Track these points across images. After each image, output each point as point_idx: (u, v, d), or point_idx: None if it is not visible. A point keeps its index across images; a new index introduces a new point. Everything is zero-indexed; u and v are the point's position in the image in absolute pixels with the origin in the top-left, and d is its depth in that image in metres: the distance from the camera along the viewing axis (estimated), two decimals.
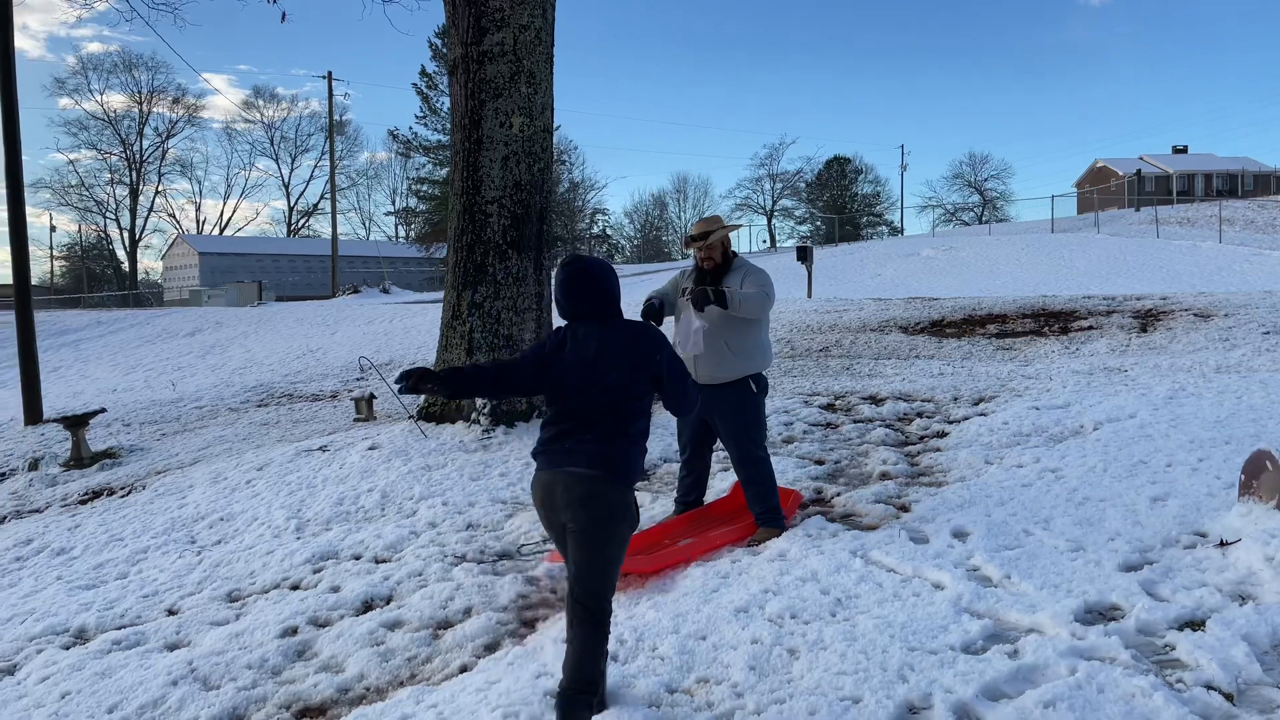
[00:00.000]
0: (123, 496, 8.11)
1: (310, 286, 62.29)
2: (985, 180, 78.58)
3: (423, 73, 59.13)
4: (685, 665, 3.64)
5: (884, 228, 78.21)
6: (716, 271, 5.23)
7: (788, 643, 3.70)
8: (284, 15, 13.49)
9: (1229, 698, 3.04)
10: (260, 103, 78.39)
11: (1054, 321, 12.26)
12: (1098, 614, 3.76)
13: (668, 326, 4.94)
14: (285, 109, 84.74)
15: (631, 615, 4.17)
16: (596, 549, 3.25)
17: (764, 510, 5.19)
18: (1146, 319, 11.82)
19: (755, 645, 3.70)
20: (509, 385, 3.50)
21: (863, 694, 3.24)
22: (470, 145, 8.14)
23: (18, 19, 12.87)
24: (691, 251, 5.38)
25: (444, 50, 57.93)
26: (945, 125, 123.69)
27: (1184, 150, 69.40)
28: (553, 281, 3.57)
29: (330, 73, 45.66)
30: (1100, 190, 51.23)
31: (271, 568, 5.54)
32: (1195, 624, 3.56)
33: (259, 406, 12.30)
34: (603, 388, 3.31)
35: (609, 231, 76.13)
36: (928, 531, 4.91)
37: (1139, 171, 54.39)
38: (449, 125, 53.96)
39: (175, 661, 4.28)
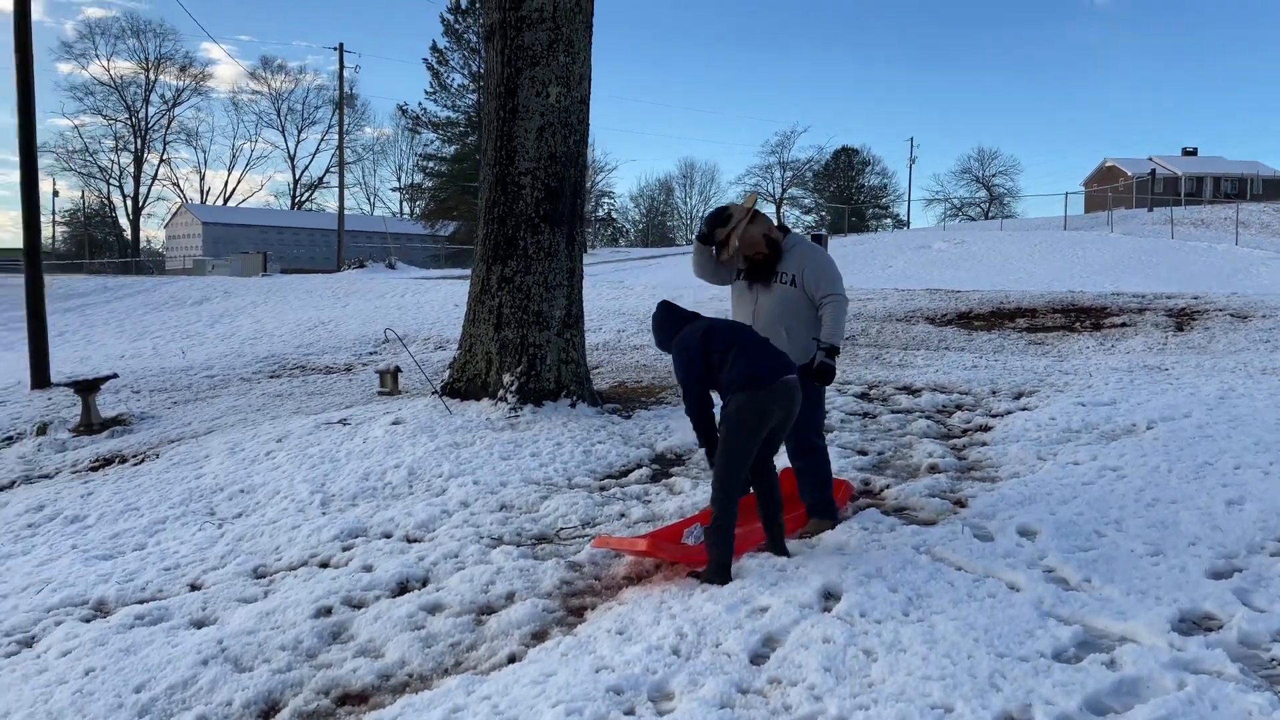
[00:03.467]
0: (136, 465, 7.88)
1: (314, 260, 61.97)
2: (993, 176, 78.19)
3: (434, 48, 58.82)
4: (754, 663, 3.42)
5: (890, 220, 77.90)
6: (768, 260, 4.90)
7: (862, 643, 3.47)
8: None
9: None
10: (267, 74, 77.69)
11: (1085, 317, 12.02)
12: (1193, 623, 3.54)
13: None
14: (292, 80, 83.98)
15: (688, 607, 3.95)
16: None
17: (817, 501, 4.96)
18: (1181, 318, 11.58)
19: (828, 645, 3.47)
20: None
21: (954, 703, 3.01)
22: (505, 114, 7.88)
23: None
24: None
25: (456, 26, 57.64)
26: (954, 120, 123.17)
27: (1194, 152, 69.00)
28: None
29: (341, 44, 45.22)
30: (1111, 189, 50.94)
31: (298, 543, 5.32)
32: None
33: (271, 377, 12.06)
34: None
35: (614, 215, 75.72)
36: (991, 529, 4.69)
37: (1153, 172, 54.04)
38: (458, 103, 53.61)
39: (204, 640, 4.05)
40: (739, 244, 4.79)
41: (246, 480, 6.70)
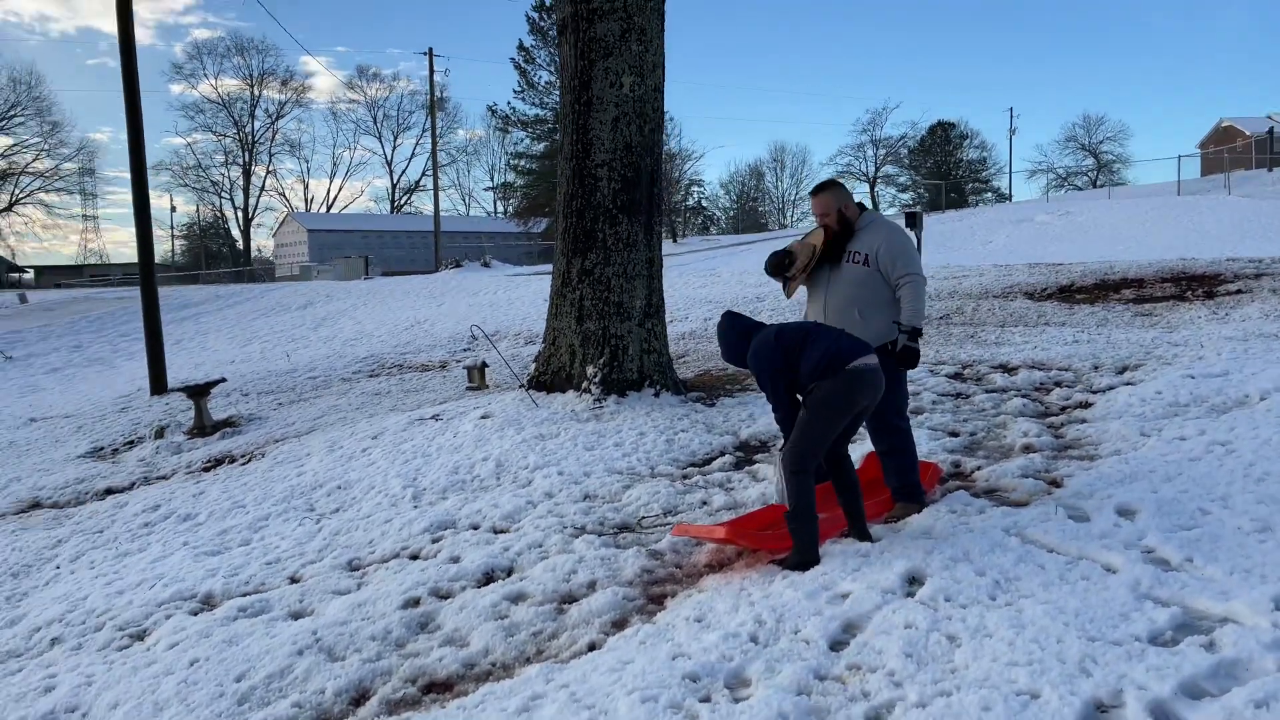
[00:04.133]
0: (243, 464, 8.22)
1: (413, 261, 63.53)
2: (1100, 143, 74.92)
3: (520, 47, 59.50)
4: (833, 650, 3.37)
5: (990, 194, 75.50)
6: (839, 237, 4.80)
7: (945, 628, 3.38)
8: None
9: None
10: (363, 82, 79.98)
11: (1197, 285, 11.43)
12: None
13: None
14: (386, 88, 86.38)
15: (768, 594, 3.91)
16: None
17: (902, 484, 4.84)
18: None
19: (910, 630, 3.39)
20: None
21: (1041, 688, 2.90)
22: (580, 107, 7.91)
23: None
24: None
25: (541, 24, 58.19)
26: (1056, 87, 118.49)
27: None
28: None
29: (431, 49, 46.15)
30: (1228, 150, 48.28)
31: (390, 537, 5.47)
32: None
33: (370, 377, 12.42)
34: None
35: (704, 203, 75.39)
36: (1087, 509, 4.51)
37: (1271, 130, 50.98)
38: (545, 100, 54.27)
39: (300, 631, 4.20)
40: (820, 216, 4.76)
41: (344, 476, 6.92)
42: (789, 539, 4.44)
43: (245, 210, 76.91)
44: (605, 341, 7.78)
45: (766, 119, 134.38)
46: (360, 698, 3.66)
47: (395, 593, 4.52)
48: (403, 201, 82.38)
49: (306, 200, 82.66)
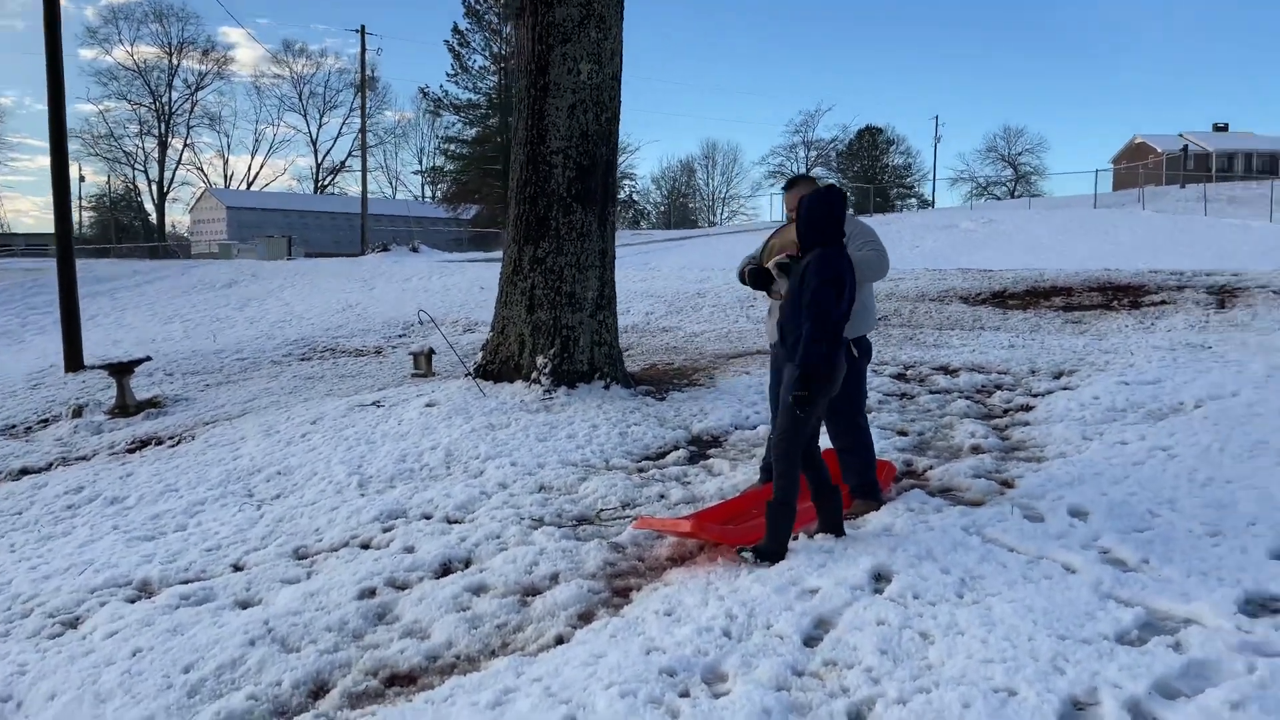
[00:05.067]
0: (172, 446, 7.92)
1: (338, 244, 62.19)
2: (1019, 154, 77.18)
3: (455, 30, 58.71)
4: (808, 645, 3.37)
5: (914, 200, 77.15)
6: None
7: (917, 625, 3.41)
8: None
9: None
10: (289, 57, 77.73)
11: (1123, 295, 11.83)
12: (1259, 605, 3.45)
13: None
14: (314, 64, 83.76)
15: (735, 589, 3.89)
16: None
17: (861, 482, 4.89)
18: (1223, 295, 11.37)
19: (883, 627, 3.41)
20: None
21: (1018, 686, 2.94)
22: (536, 92, 7.80)
23: None
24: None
25: (477, 8, 57.43)
26: (979, 97, 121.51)
27: (1225, 128, 67.76)
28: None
29: (363, 27, 45.01)
30: (1142, 166, 50.24)
31: (338, 525, 5.31)
32: None
33: (302, 360, 12.10)
34: None
35: (635, 197, 75.40)
36: (1041, 509, 4.61)
37: (1185, 148, 53.18)
38: (480, 84, 53.54)
39: (250, 620, 4.04)
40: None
41: (283, 462, 6.71)
42: (754, 533, 4.45)
43: (160, 184, 74.19)
44: (556, 332, 7.68)
45: (700, 115, 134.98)
46: (319, 690, 3.53)
47: (349, 582, 4.38)
48: (327, 182, 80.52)
49: (226, 176, 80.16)
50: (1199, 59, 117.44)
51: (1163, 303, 11.31)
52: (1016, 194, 70.92)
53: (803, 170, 76.56)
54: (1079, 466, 5.27)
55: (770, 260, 4.73)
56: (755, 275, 4.78)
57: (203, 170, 79.92)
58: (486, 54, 59.21)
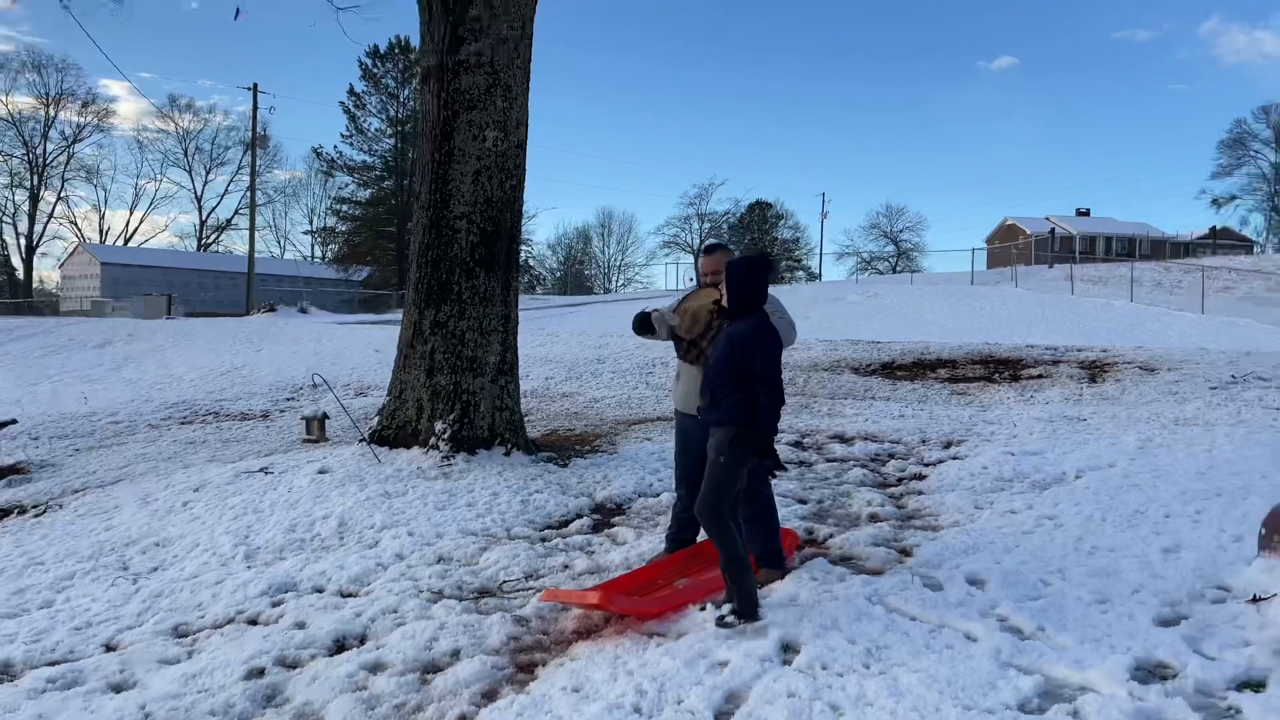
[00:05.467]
0: (37, 516, 7.40)
1: (221, 303, 60.16)
2: (900, 231, 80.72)
3: (351, 92, 58.49)
4: None
5: (803, 273, 79.53)
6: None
7: (827, 697, 3.41)
8: (238, 12, 12.85)
9: None
10: (174, 112, 75.63)
11: (1003, 369, 12.37)
12: (1149, 671, 3.58)
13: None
14: (200, 120, 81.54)
15: (644, 663, 3.84)
16: None
17: (766, 550, 4.91)
18: (1094, 369, 12.01)
19: (793, 699, 3.40)
20: None
21: None
22: (440, 157, 7.77)
23: None
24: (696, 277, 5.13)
25: (374, 70, 57.39)
26: (863, 176, 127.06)
27: (1087, 213, 72.41)
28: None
29: (256, 85, 44.33)
30: (1009, 247, 53.23)
31: (222, 599, 5.02)
32: (1254, 685, 3.40)
33: (182, 424, 11.55)
34: None
35: (531, 262, 75.56)
36: (940, 578, 4.70)
37: (1052, 231, 56.55)
38: (375, 147, 53.26)
39: (124, 705, 3.76)
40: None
41: (162, 533, 6.34)
42: (664, 604, 4.41)
43: (30, 238, 70.68)
44: (456, 397, 7.55)
45: (596, 184, 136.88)
46: None
47: (235, 662, 4.13)
48: (211, 239, 78.13)
49: (102, 231, 76.91)
50: (1062, 148, 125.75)
51: (1040, 376, 11.87)
52: (898, 269, 73.94)
53: (696, 240, 78.18)
54: (973, 535, 5.41)
55: (685, 319, 4.80)
56: (641, 321, 4.95)
57: (77, 224, 76.60)
58: (383, 117, 59.08)
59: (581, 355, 15.34)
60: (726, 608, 4.16)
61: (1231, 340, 19.76)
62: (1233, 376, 11.15)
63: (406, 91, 57.92)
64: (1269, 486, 6.01)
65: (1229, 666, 3.52)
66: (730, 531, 4.20)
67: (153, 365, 17.09)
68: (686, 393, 4.91)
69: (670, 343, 5.14)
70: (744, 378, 4.17)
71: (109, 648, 4.52)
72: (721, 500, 4.21)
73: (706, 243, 5.60)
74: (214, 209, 78.97)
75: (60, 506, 7.55)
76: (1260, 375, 11.20)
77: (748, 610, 4.11)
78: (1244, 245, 66.78)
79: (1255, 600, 4.06)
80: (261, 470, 7.62)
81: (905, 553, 5.24)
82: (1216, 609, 4.13)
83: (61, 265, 72.63)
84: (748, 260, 4.35)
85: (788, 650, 3.88)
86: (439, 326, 7.64)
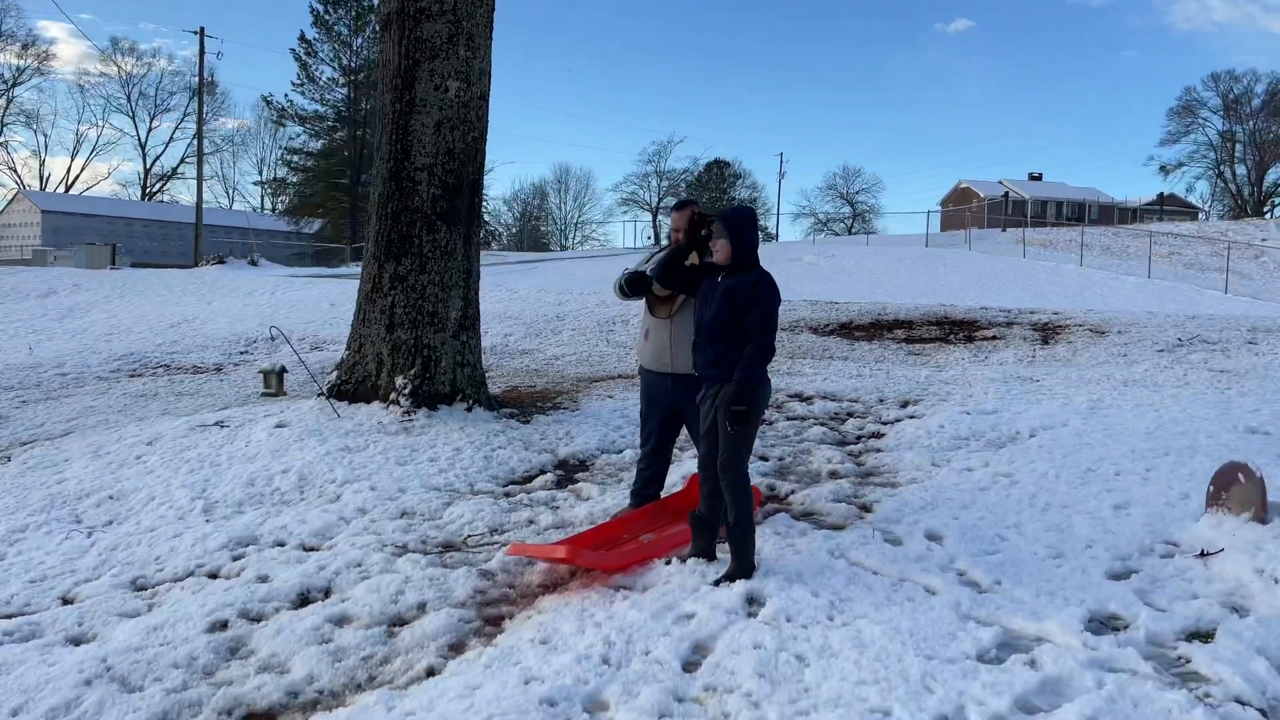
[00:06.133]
0: None
1: (168, 254, 58.81)
2: (857, 193, 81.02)
3: (303, 38, 56.91)
4: (687, 671, 3.37)
5: (760, 233, 79.59)
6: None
7: (792, 648, 3.47)
8: None
9: (1263, 713, 2.98)
10: (117, 56, 73.08)
11: (958, 330, 12.55)
12: (1101, 623, 3.69)
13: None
14: (145, 65, 78.77)
15: (611, 615, 3.87)
16: None
17: None
18: (1046, 332, 12.23)
19: (759, 650, 3.45)
20: None
21: (891, 706, 3.04)
22: (401, 107, 7.62)
23: None
24: (670, 233, 5.07)
25: (326, 18, 55.87)
26: (821, 137, 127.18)
27: (1039, 177, 73.30)
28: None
29: (203, 29, 42.87)
30: (963, 210, 53.78)
31: (181, 553, 4.96)
32: (1203, 635, 3.52)
33: (132, 376, 11.32)
34: None
35: (487, 218, 74.77)
36: (899, 533, 4.80)
37: (1006, 194, 57.20)
38: (328, 96, 51.82)
39: (85, 658, 3.71)
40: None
41: (115, 485, 6.23)
42: (630, 558, 4.45)
43: None
44: (417, 352, 7.48)
45: (553, 139, 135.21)
46: None
47: (197, 615, 4.10)
48: (156, 188, 76.04)
49: (42, 178, 74.48)
50: (1016, 112, 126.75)
51: (994, 338, 12.06)
52: (854, 231, 74.32)
53: (655, 198, 77.82)
54: (931, 492, 5.52)
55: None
56: (633, 282, 4.82)
57: (16, 171, 74.17)
58: (335, 65, 57.64)
59: (541, 312, 15.27)
60: (722, 571, 4.18)
61: (1175, 304, 20.23)
62: (1179, 339, 11.43)
63: (360, 40, 56.55)
64: (1215, 446, 6.20)
65: (1178, 618, 3.64)
66: (750, 495, 4.22)
67: (100, 316, 16.68)
68: (657, 350, 4.90)
69: (636, 300, 5.11)
70: (747, 331, 4.11)
71: (66, 601, 4.46)
72: (745, 459, 4.21)
73: (678, 199, 5.52)
74: (159, 157, 77.24)
75: (8, 459, 7.38)
76: (1205, 339, 11.49)
77: (744, 575, 4.14)
78: (1189, 212, 68.18)
79: (1203, 555, 4.20)
80: (217, 424, 7.51)
81: (865, 509, 5.33)
82: (1165, 563, 4.27)
83: (0, 213, 70.37)
84: (744, 211, 4.29)
85: (753, 603, 3.94)
86: (399, 280, 7.54)
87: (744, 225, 4.21)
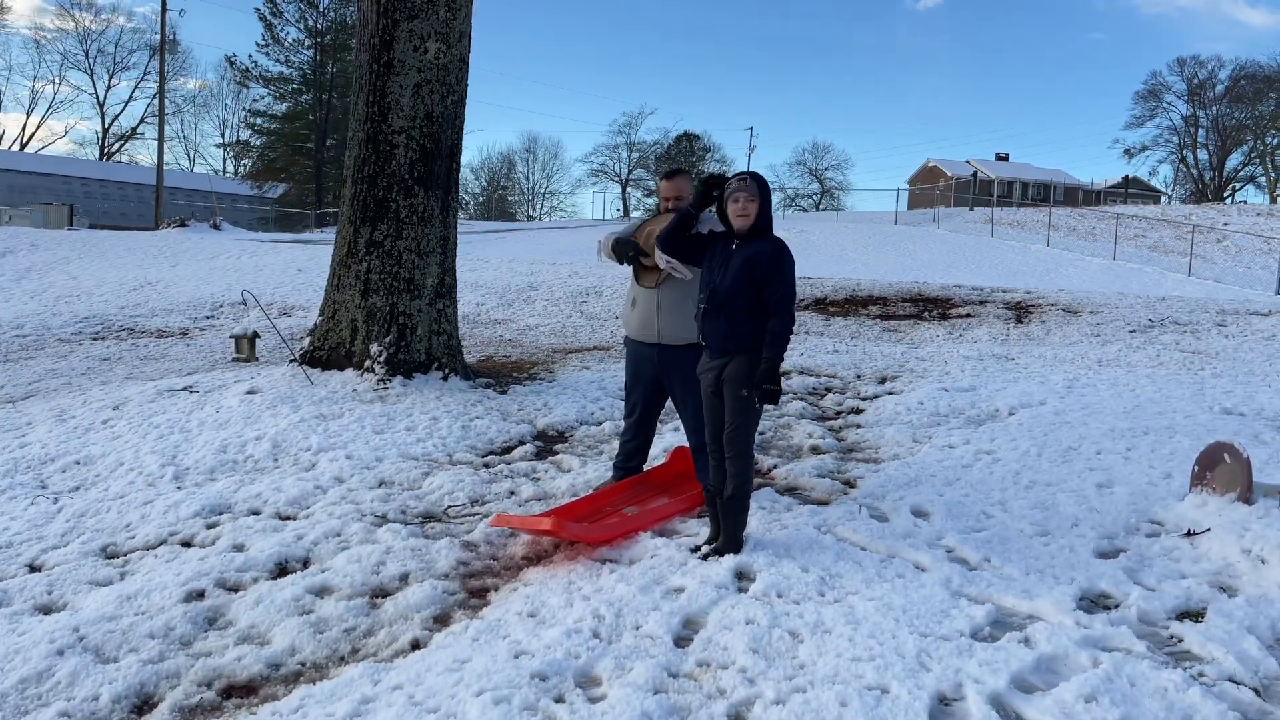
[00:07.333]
0: None
1: (126, 216, 57.58)
2: (826, 169, 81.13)
3: None
4: (679, 646, 3.33)
5: None
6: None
7: (786, 624, 3.44)
8: None
9: (1256, 692, 2.99)
10: (74, 11, 71.03)
11: (932, 307, 12.58)
12: (1092, 601, 3.69)
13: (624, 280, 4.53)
14: (104, 21, 76.77)
15: (599, 588, 3.81)
16: None
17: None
18: (1019, 310, 12.29)
19: (752, 626, 3.42)
20: None
21: (888, 683, 3.01)
22: (379, 68, 7.42)
23: None
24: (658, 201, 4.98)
25: None
26: (792, 112, 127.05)
27: (1006, 158, 73.86)
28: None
29: None
30: (931, 188, 54.04)
31: (153, 520, 4.83)
32: (1194, 615, 3.53)
33: (95, 340, 11.04)
34: None
35: None
36: (885, 509, 4.78)
37: (975, 174, 57.54)
38: (293, 58, 50.95)
39: (57, 627, 3.59)
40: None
41: (82, 451, 6.06)
42: (615, 531, 4.38)
43: None
44: (393, 319, 7.34)
45: (521, 107, 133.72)
46: (145, 704, 3.18)
47: (172, 584, 3.98)
48: (115, 148, 74.29)
49: None
50: (984, 92, 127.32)
51: (968, 315, 12.11)
52: (822, 207, 74.48)
53: (625, 170, 77.35)
54: (914, 468, 5.51)
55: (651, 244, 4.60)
56: (620, 245, 4.73)
57: None
58: (301, 27, 56.51)
59: (513, 282, 15.10)
60: (709, 547, 4.14)
61: (1140, 285, 20.47)
62: (1150, 320, 11.54)
63: (327, 1, 55.45)
64: (1193, 426, 6.25)
65: (1169, 598, 3.65)
66: (752, 470, 4.16)
67: (60, 277, 16.27)
68: (644, 320, 4.82)
69: (613, 269, 5.03)
70: (767, 304, 3.98)
71: (34, 568, 4.32)
72: (752, 434, 4.12)
73: (667, 168, 5.42)
74: (118, 116, 75.43)
75: None
76: (1176, 320, 11.62)
77: (733, 550, 4.09)
78: (1153, 195, 69.02)
79: (1189, 534, 4.22)
80: (186, 389, 7.33)
81: (849, 484, 5.31)
82: (1152, 542, 4.28)
83: None
84: (761, 178, 4.16)
85: (742, 578, 3.90)
86: (375, 246, 7.38)
87: (765, 191, 4.09)
